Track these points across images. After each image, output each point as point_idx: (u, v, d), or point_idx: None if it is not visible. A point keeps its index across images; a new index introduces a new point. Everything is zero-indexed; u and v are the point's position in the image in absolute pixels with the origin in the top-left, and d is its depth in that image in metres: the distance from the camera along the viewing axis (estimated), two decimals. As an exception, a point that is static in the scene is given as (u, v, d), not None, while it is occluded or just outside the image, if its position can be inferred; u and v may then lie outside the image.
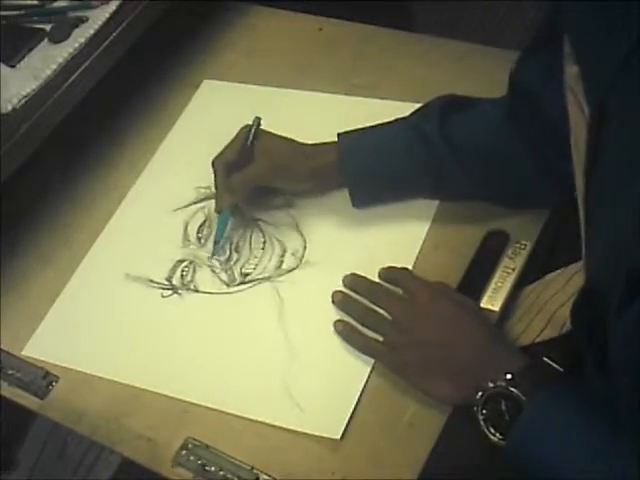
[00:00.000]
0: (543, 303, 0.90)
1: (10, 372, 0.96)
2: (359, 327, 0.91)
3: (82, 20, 1.08)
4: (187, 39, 1.28)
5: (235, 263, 1.01)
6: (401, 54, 1.18)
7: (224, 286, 1.00)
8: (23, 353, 0.98)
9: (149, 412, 0.91)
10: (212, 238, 1.03)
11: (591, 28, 0.65)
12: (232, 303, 0.98)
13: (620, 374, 0.66)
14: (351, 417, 0.86)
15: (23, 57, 1.05)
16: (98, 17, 1.08)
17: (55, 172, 1.15)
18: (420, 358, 0.85)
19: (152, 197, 1.11)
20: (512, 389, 0.76)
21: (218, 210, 1.01)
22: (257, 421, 0.88)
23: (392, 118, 0.99)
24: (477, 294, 0.91)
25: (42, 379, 0.95)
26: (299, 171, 1.00)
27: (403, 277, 0.93)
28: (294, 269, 0.99)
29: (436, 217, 1.00)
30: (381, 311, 0.91)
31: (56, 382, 0.95)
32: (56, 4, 1.12)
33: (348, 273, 0.96)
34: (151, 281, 1.02)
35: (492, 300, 0.91)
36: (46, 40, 1.07)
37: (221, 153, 1.00)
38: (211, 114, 1.18)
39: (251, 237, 1.03)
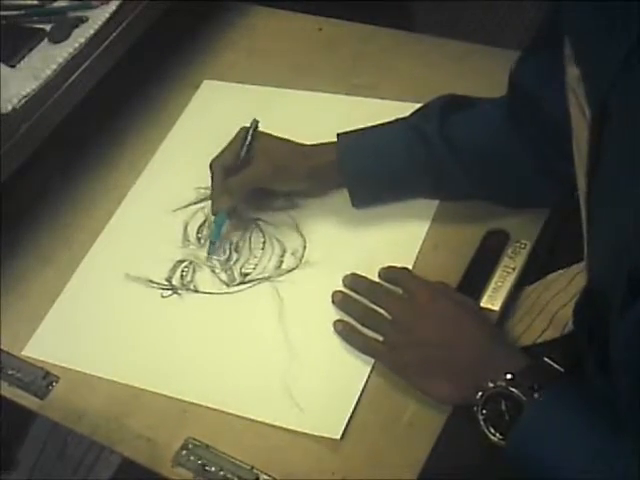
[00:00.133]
0: (544, 303, 0.90)
1: (10, 372, 0.96)
2: (359, 327, 0.91)
3: (82, 20, 1.08)
4: (187, 39, 1.28)
5: (235, 263, 1.01)
6: (401, 54, 1.18)
7: (224, 286, 1.00)
8: (23, 353, 0.98)
9: (149, 412, 0.91)
10: (210, 237, 1.03)
11: (591, 29, 0.65)
12: (232, 303, 0.98)
13: (621, 374, 0.66)
14: (351, 417, 0.86)
15: (23, 57, 1.05)
16: (98, 17, 1.08)
17: (55, 172, 1.15)
18: (420, 358, 0.85)
19: (152, 197, 1.11)
20: (512, 389, 0.76)
21: (214, 212, 1.01)
22: (257, 421, 0.88)
23: (392, 118, 0.99)
24: (477, 294, 0.91)
25: (42, 379, 0.95)
26: (297, 171, 1.00)
27: (403, 277, 0.93)
28: (294, 269, 0.99)
29: (436, 217, 1.00)
30: (381, 311, 0.91)
31: (56, 382, 0.95)
32: (56, 4, 1.12)
33: (348, 273, 0.96)
34: (151, 281, 1.02)
35: (492, 300, 0.91)
36: (46, 40, 1.07)
37: (219, 155, 1.00)
38: (211, 114, 1.18)
39: (251, 237, 1.03)
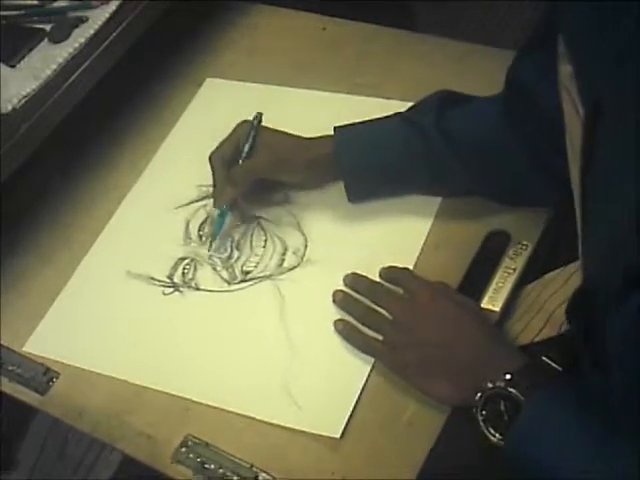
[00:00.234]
0: (542, 302, 0.90)
1: (10, 368, 0.96)
2: (359, 326, 0.91)
3: (82, 20, 1.08)
4: (188, 38, 1.28)
5: (236, 261, 1.01)
6: (404, 54, 1.18)
7: (225, 284, 1.00)
8: (24, 349, 0.98)
9: (150, 409, 0.91)
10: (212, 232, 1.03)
11: (585, 27, 0.65)
12: (233, 301, 0.98)
13: (615, 371, 0.66)
14: (351, 416, 0.86)
15: (23, 57, 1.05)
16: (98, 17, 1.08)
17: (55, 172, 1.15)
18: (420, 358, 0.85)
19: (154, 195, 1.11)
20: (511, 389, 0.76)
21: (218, 206, 1.01)
22: (257, 419, 0.88)
23: (392, 116, 0.99)
24: (478, 294, 0.91)
25: (43, 375, 0.95)
26: (296, 162, 1.00)
27: (404, 277, 0.93)
28: (295, 267, 0.99)
29: (437, 217, 1.00)
30: (382, 311, 0.91)
31: (57, 378, 0.95)
32: (56, 4, 1.12)
33: (349, 272, 0.96)
34: (152, 279, 1.02)
35: (493, 300, 0.91)
36: (46, 40, 1.07)
37: (218, 148, 1.01)
38: (213, 112, 1.18)
39: (252, 235, 1.03)
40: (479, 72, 1.09)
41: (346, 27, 1.25)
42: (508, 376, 0.77)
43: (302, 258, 1.00)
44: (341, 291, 0.95)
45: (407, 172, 0.98)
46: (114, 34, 1.07)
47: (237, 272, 1.00)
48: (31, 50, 1.06)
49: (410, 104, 1.00)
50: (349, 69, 1.18)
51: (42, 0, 1.12)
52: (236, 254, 1.02)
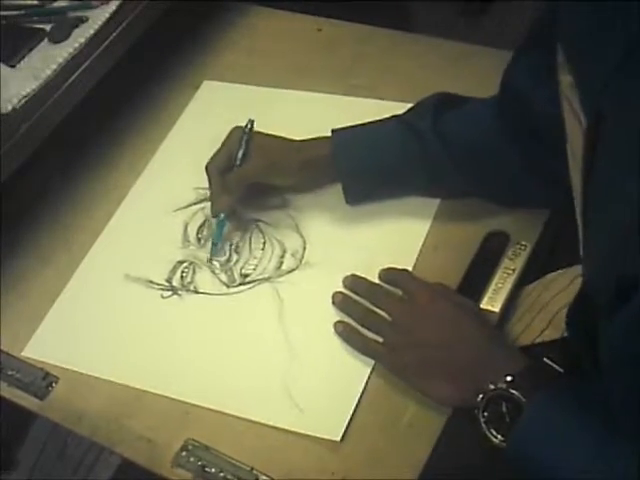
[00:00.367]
0: (544, 303, 0.90)
1: (10, 373, 0.96)
2: (359, 328, 0.91)
3: (82, 20, 1.08)
4: (187, 39, 1.28)
5: (235, 264, 1.01)
6: (400, 55, 1.18)
7: (224, 287, 1.00)
8: (23, 354, 0.98)
9: (149, 413, 0.91)
10: (212, 239, 1.03)
11: (585, 33, 0.65)
12: (232, 304, 0.98)
13: (615, 373, 0.66)
14: (351, 418, 0.86)
15: (23, 57, 1.05)
16: (98, 17, 1.08)
17: (55, 172, 1.15)
18: (420, 359, 0.85)
19: (152, 198, 1.11)
20: (512, 391, 0.76)
21: (214, 214, 1.01)
22: (257, 422, 0.88)
23: (389, 118, 0.99)
24: (477, 295, 0.91)
25: (42, 380, 0.95)
26: (290, 165, 1.00)
27: (403, 278, 0.93)
28: (294, 270, 0.99)
29: (436, 218, 1.00)
30: (381, 312, 0.91)
31: (56, 383, 0.95)
32: (56, 4, 1.12)
33: (348, 274, 0.96)
34: (151, 282, 1.02)
35: (492, 301, 0.91)
36: (46, 40, 1.07)
37: (213, 157, 1.01)
38: (211, 115, 1.18)
39: (251, 238, 1.03)
40: (477, 73, 1.09)
41: (342, 28, 1.25)
42: (509, 378, 0.77)
43: (301, 260, 1.00)
44: (340, 293, 0.95)
45: (404, 174, 0.98)
46: (114, 34, 1.07)
47: (236, 275, 1.00)
48: (31, 50, 1.06)
49: (406, 105, 1.00)
50: (345, 70, 1.18)
51: (42, 0, 1.12)
52: (235, 257, 1.02)
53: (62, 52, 1.04)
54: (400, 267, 0.95)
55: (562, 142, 0.74)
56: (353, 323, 0.92)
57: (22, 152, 0.99)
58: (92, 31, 1.07)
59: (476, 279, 0.93)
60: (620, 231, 0.61)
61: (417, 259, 0.97)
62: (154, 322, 0.98)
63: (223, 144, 1.01)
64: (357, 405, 0.87)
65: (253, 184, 1.01)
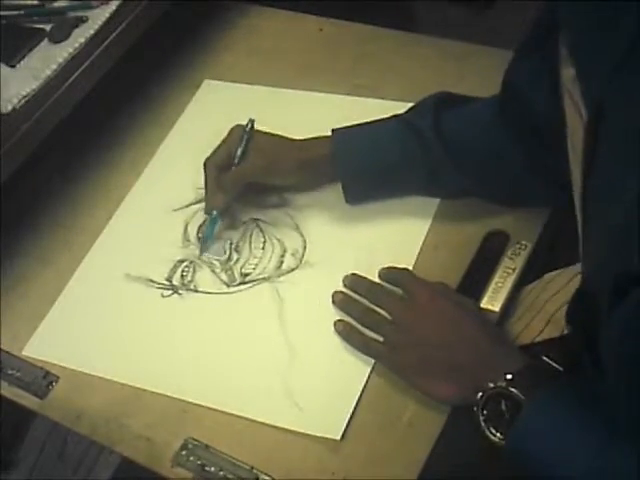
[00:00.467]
0: (543, 303, 0.90)
1: (10, 372, 0.96)
2: (359, 327, 0.91)
3: (82, 20, 1.08)
4: (187, 39, 1.28)
5: (235, 263, 1.01)
6: (401, 54, 1.18)
7: (224, 286, 1.00)
8: (23, 353, 0.98)
9: (149, 412, 0.91)
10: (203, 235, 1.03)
11: (589, 27, 0.65)
12: (232, 303, 0.98)
13: (614, 371, 0.66)
14: (351, 417, 0.86)
15: (23, 57, 1.05)
16: (98, 17, 1.08)
17: (55, 172, 1.15)
18: (420, 358, 0.85)
19: (152, 197, 1.11)
20: (512, 389, 0.76)
21: (207, 211, 1.01)
22: (257, 421, 0.88)
23: (390, 118, 0.99)
24: (477, 294, 0.92)
25: (42, 379, 0.95)
26: (288, 164, 1.00)
27: (403, 277, 0.93)
28: (294, 269, 0.99)
29: (436, 217, 1.00)
30: (381, 311, 0.91)
31: (56, 382, 0.95)
32: (56, 4, 1.12)
33: (348, 273, 0.96)
34: (151, 281, 1.02)
35: (492, 300, 0.91)
36: (46, 40, 1.07)
37: (212, 154, 1.01)
38: (211, 114, 1.18)
39: (251, 237, 1.03)
40: (478, 72, 1.09)
41: (343, 28, 1.25)
42: (509, 376, 0.77)
43: (301, 260, 1.00)
44: (341, 292, 0.95)
45: (405, 173, 0.98)
46: (114, 34, 1.07)
47: (236, 274, 1.00)
48: (31, 50, 1.06)
49: (408, 105, 1.00)
50: (347, 70, 1.18)
51: (42, 0, 1.12)
52: (235, 256, 1.02)
53: (62, 52, 1.04)
54: (400, 266, 0.95)
55: (563, 141, 0.74)
56: (353, 322, 0.92)
57: (22, 152, 0.99)
58: (92, 31, 1.07)
59: (476, 278, 0.93)
60: (620, 226, 0.61)
61: (417, 258, 0.97)
62: (154, 321, 0.98)
63: (223, 142, 1.01)
64: (357, 404, 0.87)
65: (252, 183, 1.01)
